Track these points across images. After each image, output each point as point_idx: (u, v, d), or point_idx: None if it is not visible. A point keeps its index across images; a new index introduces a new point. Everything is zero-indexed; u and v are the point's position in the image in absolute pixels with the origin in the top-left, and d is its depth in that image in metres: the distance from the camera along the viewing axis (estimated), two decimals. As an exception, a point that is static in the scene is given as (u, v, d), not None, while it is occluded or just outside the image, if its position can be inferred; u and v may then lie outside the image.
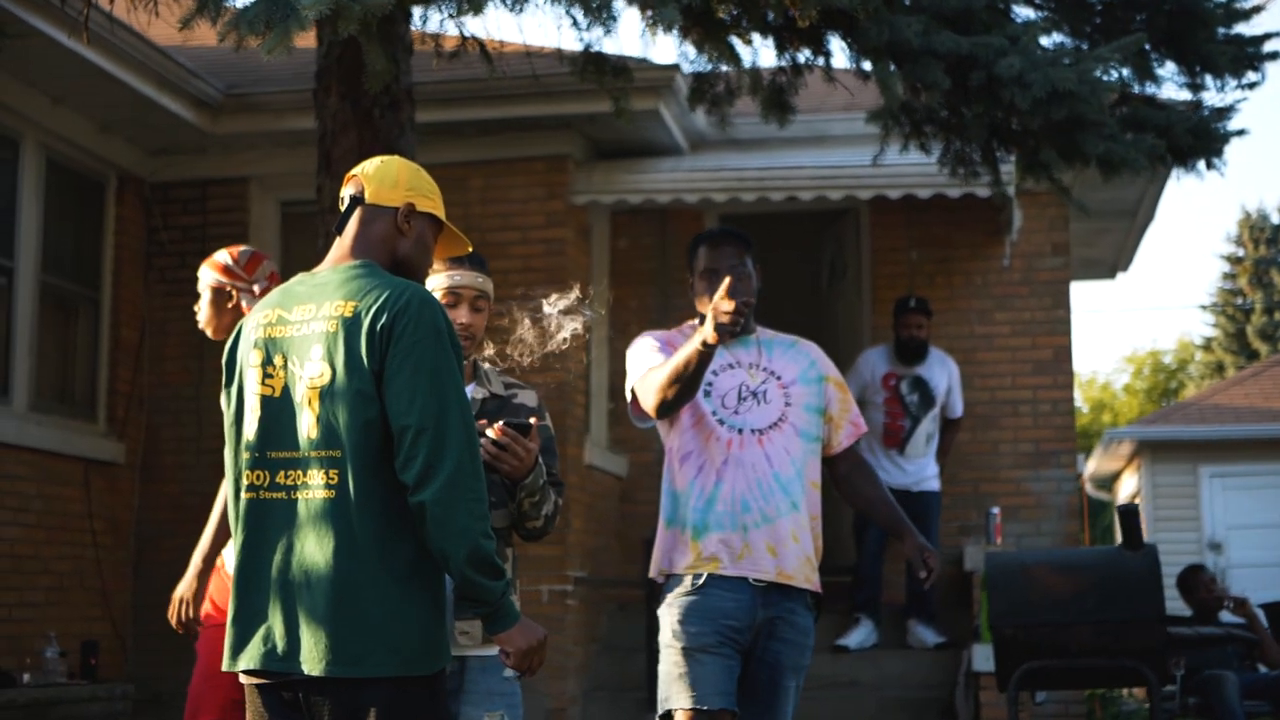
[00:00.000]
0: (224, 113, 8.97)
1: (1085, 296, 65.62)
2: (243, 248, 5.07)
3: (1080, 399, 37.40)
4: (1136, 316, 64.11)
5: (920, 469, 8.95)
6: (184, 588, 4.79)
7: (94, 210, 9.15)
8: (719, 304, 4.01)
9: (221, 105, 8.93)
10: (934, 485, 9.01)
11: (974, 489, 9.63)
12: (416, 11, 6.71)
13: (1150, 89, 6.18)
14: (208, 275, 4.98)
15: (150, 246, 9.39)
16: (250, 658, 3.22)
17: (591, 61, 6.25)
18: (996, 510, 9.03)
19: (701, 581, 4.25)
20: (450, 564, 3.11)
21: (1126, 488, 19.46)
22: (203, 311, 4.99)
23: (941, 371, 9.03)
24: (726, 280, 4.05)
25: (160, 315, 9.28)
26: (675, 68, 8.29)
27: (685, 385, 4.18)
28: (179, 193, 9.46)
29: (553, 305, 4.07)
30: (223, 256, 5.01)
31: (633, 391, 4.43)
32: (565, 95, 8.46)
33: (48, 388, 8.73)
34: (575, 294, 4.11)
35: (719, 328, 4.00)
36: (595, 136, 9.07)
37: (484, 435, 3.65)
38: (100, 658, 8.27)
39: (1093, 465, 19.92)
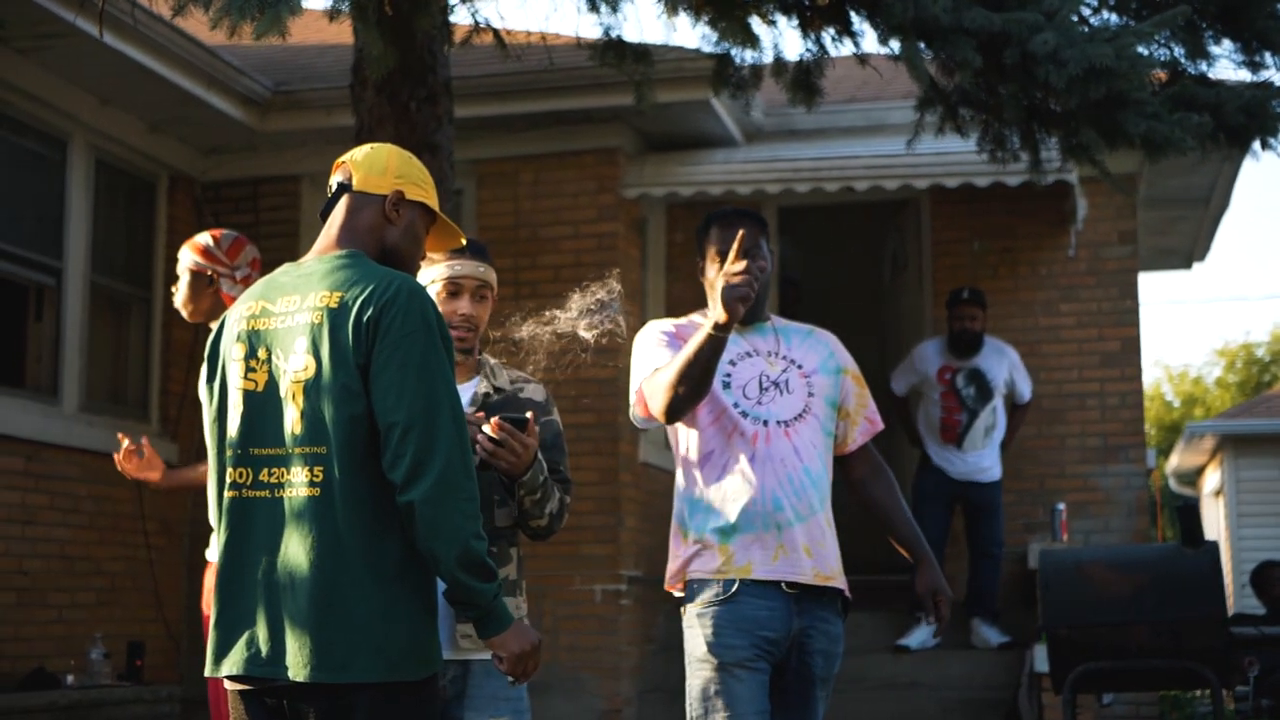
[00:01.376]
0: (273, 110, 8.92)
1: (1164, 287, 64.50)
2: (225, 231, 4.98)
3: (1171, 393, 36.78)
4: (1222, 308, 63.06)
5: (979, 459, 8.75)
6: None
7: (145, 210, 9.14)
8: (730, 268, 3.74)
9: (270, 103, 8.88)
10: (995, 474, 8.80)
11: (1040, 484, 9.38)
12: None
13: (1204, 67, 5.94)
14: (186, 257, 4.90)
15: (202, 246, 9.35)
16: (233, 663, 3.12)
17: (611, 48, 6.09)
18: (1062, 506, 8.84)
19: (734, 589, 3.95)
20: (440, 565, 2.99)
21: (1210, 483, 19.06)
22: (180, 293, 4.91)
23: (999, 362, 8.82)
24: (739, 236, 3.80)
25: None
26: (727, 56, 8.14)
27: (698, 379, 3.87)
28: (230, 191, 9.43)
29: (577, 307, 3.92)
30: (203, 239, 4.92)
31: (639, 392, 4.12)
32: (614, 87, 8.30)
33: (100, 389, 8.72)
34: (604, 290, 3.96)
35: (730, 291, 3.72)
36: (646, 129, 8.93)
37: (480, 430, 3.52)
38: (152, 659, 8.25)
39: (1175, 460, 19.54)
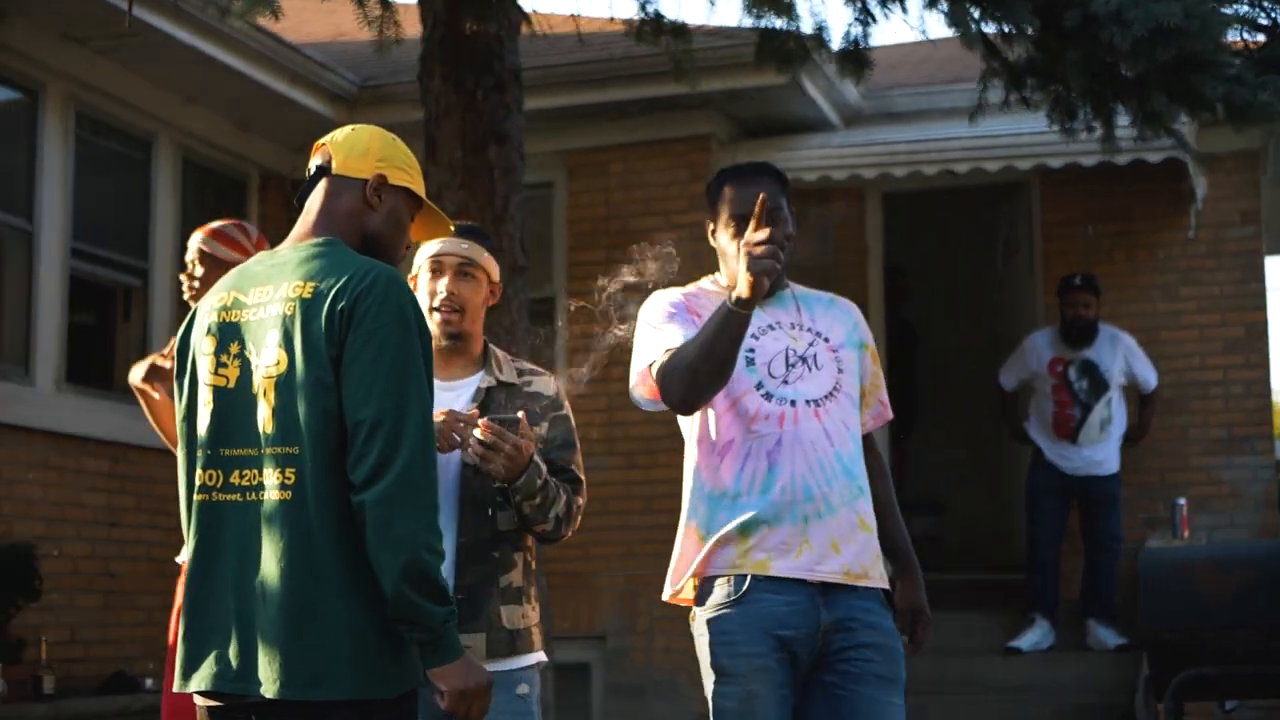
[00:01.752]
0: (359, 106, 8.83)
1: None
2: (241, 221, 4.77)
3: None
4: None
5: (1094, 453, 8.34)
6: None
7: (236, 209, 9.08)
8: (751, 236, 3.32)
9: (356, 98, 8.80)
10: (1112, 467, 8.38)
11: (1160, 478, 8.94)
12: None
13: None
14: (209, 245, 4.64)
15: (295, 244, 9.28)
16: (203, 678, 2.93)
17: (648, 23, 5.84)
18: (1183, 501, 8.38)
19: (746, 586, 3.48)
20: (384, 575, 2.74)
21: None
22: (195, 284, 4.62)
23: (1113, 352, 8.39)
24: (760, 200, 3.35)
25: (306, 313, 9.16)
26: (817, 37, 7.82)
27: (720, 363, 3.42)
28: (321, 189, 9.33)
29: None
30: (225, 227, 4.68)
31: (648, 372, 3.62)
32: (702, 72, 8.04)
33: (188, 390, 8.66)
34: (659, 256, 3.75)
35: (754, 264, 3.28)
36: (738, 115, 8.68)
37: (472, 433, 3.30)
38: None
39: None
